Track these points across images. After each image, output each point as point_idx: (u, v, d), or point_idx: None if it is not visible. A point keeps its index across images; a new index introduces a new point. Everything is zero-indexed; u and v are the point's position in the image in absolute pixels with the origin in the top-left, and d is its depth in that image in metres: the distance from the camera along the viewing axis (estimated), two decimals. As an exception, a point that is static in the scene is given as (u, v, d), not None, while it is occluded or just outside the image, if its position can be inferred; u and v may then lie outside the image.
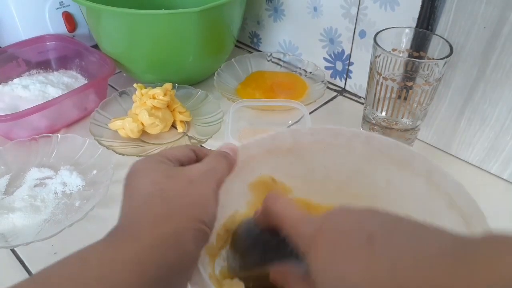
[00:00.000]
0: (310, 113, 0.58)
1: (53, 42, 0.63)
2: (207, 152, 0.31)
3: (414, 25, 0.49)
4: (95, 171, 0.47)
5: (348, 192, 0.37)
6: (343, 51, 0.60)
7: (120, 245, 0.23)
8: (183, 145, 0.31)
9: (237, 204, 0.35)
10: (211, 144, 0.52)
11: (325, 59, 0.63)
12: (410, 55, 0.47)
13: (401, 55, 0.47)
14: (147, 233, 0.23)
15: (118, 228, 0.25)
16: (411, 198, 0.34)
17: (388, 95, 0.45)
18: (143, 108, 0.51)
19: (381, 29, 0.45)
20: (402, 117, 0.46)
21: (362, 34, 0.56)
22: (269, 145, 0.35)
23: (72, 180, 0.46)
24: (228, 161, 0.30)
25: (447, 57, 0.41)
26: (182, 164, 0.29)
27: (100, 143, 0.49)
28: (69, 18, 0.65)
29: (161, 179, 0.26)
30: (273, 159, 0.35)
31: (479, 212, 0.30)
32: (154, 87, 0.54)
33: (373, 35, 0.44)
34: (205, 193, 0.27)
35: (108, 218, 0.39)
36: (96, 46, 0.61)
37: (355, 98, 0.62)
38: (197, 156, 0.31)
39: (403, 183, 0.34)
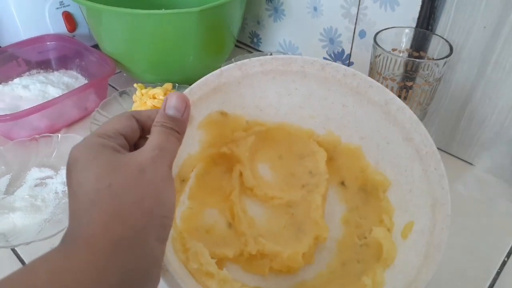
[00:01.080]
0: (310, 113, 0.58)
1: (53, 42, 0.63)
2: (149, 114, 0.28)
3: (414, 25, 0.49)
4: (95, 171, 0.47)
5: (302, 113, 0.37)
6: (343, 51, 0.60)
7: (72, 251, 0.20)
8: (121, 114, 0.27)
9: (188, 148, 0.34)
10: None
11: (325, 59, 0.63)
12: (410, 55, 0.47)
13: (401, 55, 0.47)
14: (100, 238, 0.21)
15: (69, 232, 0.22)
16: (367, 124, 0.35)
17: (388, 95, 0.45)
18: (143, 108, 0.51)
19: (381, 29, 0.45)
20: (402, 117, 0.46)
21: (362, 34, 0.56)
22: (215, 83, 0.33)
23: (73, 180, 0.46)
24: (176, 134, 0.27)
25: (447, 57, 0.41)
26: (127, 138, 0.26)
27: (100, 143, 0.49)
28: (69, 18, 0.65)
29: (107, 172, 0.22)
30: (221, 95, 0.34)
31: (434, 154, 0.30)
32: (154, 87, 0.54)
33: (373, 35, 0.44)
34: (158, 181, 0.23)
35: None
36: (96, 46, 0.61)
37: (355, 98, 0.62)
38: (139, 122, 0.27)
39: (359, 109, 0.34)
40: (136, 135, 0.27)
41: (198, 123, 0.34)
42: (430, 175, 0.30)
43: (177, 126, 0.27)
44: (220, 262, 0.34)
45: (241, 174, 0.38)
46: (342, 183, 0.38)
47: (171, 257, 0.28)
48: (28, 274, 0.19)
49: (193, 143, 0.35)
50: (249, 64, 0.34)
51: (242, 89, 0.35)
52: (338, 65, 0.33)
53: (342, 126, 0.36)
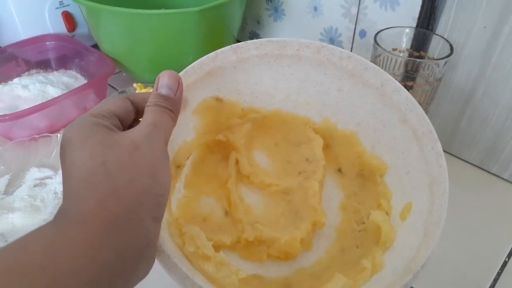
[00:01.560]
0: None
1: (53, 42, 0.62)
2: (144, 96, 0.27)
3: (414, 24, 0.49)
4: (95, 171, 0.47)
5: (298, 100, 0.37)
6: (343, 50, 0.60)
7: (68, 228, 0.20)
8: (116, 96, 0.27)
9: (183, 134, 0.34)
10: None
11: (325, 58, 0.63)
12: (410, 55, 0.47)
13: (401, 55, 0.47)
14: (93, 216, 0.20)
15: (61, 211, 0.21)
16: (362, 108, 0.34)
17: (388, 95, 0.45)
18: (143, 108, 0.51)
19: (381, 28, 0.45)
20: (403, 117, 0.46)
21: (362, 33, 0.56)
22: (209, 67, 0.32)
23: (72, 180, 0.45)
24: (170, 113, 0.26)
25: (447, 56, 0.41)
26: (121, 119, 0.26)
27: (100, 143, 0.49)
28: (68, 18, 0.64)
29: (101, 149, 0.22)
30: (216, 79, 0.33)
31: (431, 133, 0.30)
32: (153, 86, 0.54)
33: (374, 35, 0.44)
34: (153, 159, 0.23)
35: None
36: (96, 46, 0.61)
37: (355, 98, 0.62)
38: (133, 104, 0.27)
39: (355, 93, 0.34)
40: (131, 117, 0.27)
41: (193, 108, 0.33)
42: (427, 155, 0.30)
43: (171, 105, 0.26)
44: (217, 250, 0.33)
45: (237, 161, 0.38)
46: (339, 170, 0.38)
47: (166, 240, 0.28)
48: (20, 249, 0.18)
49: (188, 130, 0.34)
50: (245, 47, 0.33)
51: (237, 74, 0.34)
52: (333, 47, 0.33)
53: (338, 112, 0.36)
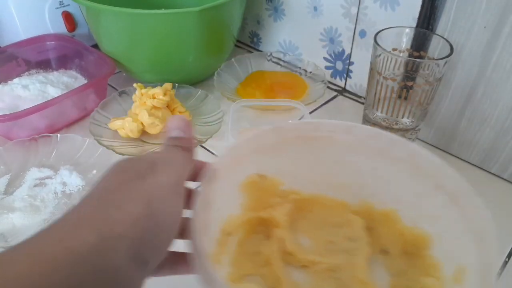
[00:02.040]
0: (310, 113, 0.57)
1: (53, 42, 0.62)
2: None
3: (414, 24, 0.49)
4: (95, 171, 0.47)
5: (335, 182, 0.38)
6: (343, 50, 0.60)
7: (10, 258, 0.16)
8: None
9: (231, 207, 0.35)
10: (211, 144, 0.52)
11: (325, 58, 0.63)
12: (410, 55, 0.47)
13: (401, 54, 0.47)
14: (54, 241, 0.17)
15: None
16: (397, 183, 0.35)
17: (388, 95, 0.45)
18: (143, 108, 0.51)
19: (381, 28, 0.45)
20: (402, 117, 0.46)
21: (362, 33, 0.56)
22: (254, 144, 0.35)
23: (72, 180, 0.45)
24: (181, 150, 0.25)
25: (447, 56, 0.41)
26: None
27: (100, 143, 0.49)
28: (68, 18, 0.64)
29: (110, 174, 0.21)
30: (259, 157, 0.35)
31: (466, 188, 0.30)
32: (154, 86, 0.54)
33: (374, 35, 0.44)
34: (155, 189, 0.21)
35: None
36: (96, 46, 0.61)
37: (356, 98, 0.62)
38: None
39: (387, 169, 0.35)
40: None
41: (240, 183, 0.35)
42: (467, 212, 0.30)
43: (182, 143, 0.26)
44: None
45: (280, 239, 0.38)
46: (384, 251, 0.37)
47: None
48: None
49: (236, 204, 0.36)
50: (285, 127, 0.35)
51: (278, 156, 0.36)
52: (362, 126, 0.35)
53: (374, 192, 0.37)
